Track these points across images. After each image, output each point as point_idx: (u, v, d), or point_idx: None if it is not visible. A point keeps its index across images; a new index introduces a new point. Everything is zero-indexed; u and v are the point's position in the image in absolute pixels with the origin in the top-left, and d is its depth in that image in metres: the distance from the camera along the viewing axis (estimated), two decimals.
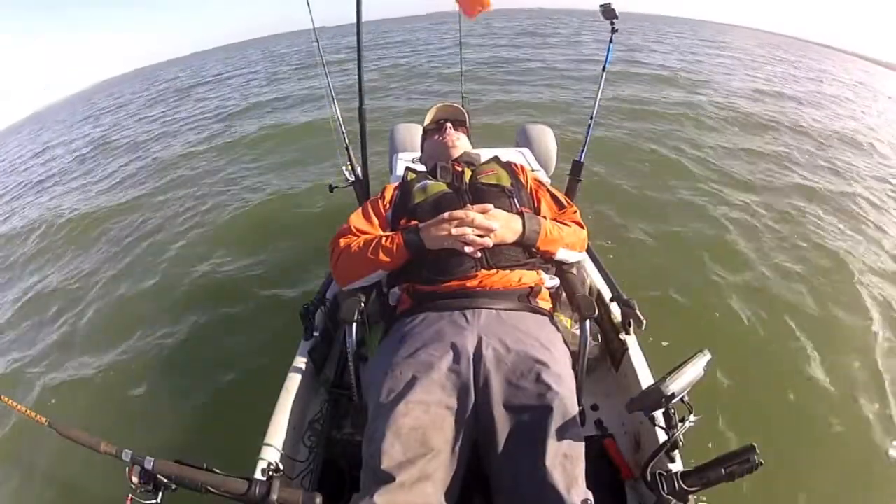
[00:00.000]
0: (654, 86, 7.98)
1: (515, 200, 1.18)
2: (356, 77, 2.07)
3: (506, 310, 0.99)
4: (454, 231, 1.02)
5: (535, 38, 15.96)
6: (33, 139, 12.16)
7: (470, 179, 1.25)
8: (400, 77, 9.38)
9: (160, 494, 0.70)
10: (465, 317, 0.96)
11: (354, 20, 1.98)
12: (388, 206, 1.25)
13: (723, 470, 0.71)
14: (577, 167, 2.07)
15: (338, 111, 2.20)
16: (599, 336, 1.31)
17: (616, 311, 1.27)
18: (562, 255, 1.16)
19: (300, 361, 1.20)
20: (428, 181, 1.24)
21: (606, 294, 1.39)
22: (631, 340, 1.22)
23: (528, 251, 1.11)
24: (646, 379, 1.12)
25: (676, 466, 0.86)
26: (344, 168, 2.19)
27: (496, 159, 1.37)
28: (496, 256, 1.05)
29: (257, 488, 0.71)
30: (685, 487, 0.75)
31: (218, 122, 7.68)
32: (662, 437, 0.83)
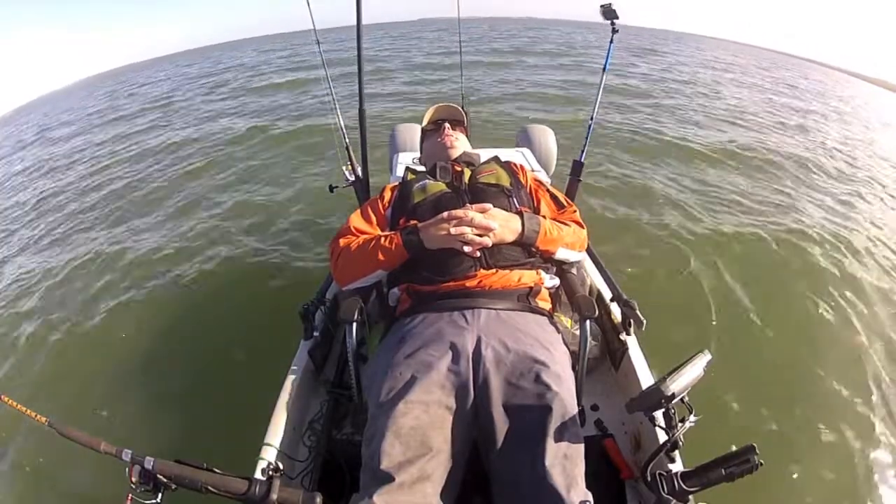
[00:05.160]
0: None
1: (514, 200, 1.18)
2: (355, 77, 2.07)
3: (505, 310, 0.98)
4: (453, 230, 1.01)
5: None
6: None
7: (469, 179, 1.25)
8: None
9: (160, 494, 0.70)
10: (464, 317, 0.95)
11: (355, 23, 1.98)
12: (387, 206, 1.25)
13: (723, 470, 0.71)
14: (577, 167, 2.06)
15: (338, 111, 2.20)
16: (599, 336, 1.31)
17: (616, 311, 1.27)
18: (561, 254, 1.16)
19: (300, 361, 1.20)
20: (427, 181, 1.24)
21: (606, 294, 1.39)
22: (631, 340, 1.22)
23: (527, 251, 1.11)
24: (646, 379, 1.12)
25: (676, 466, 0.86)
26: (344, 168, 2.19)
27: (496, 159, 1.37)
28: (495, 256, 1.05)
29: (257, 488, 0.71)
30: (685, 488, 0.74)
31: (211, 123, 7.65)
32: (662, 437, 0.83)
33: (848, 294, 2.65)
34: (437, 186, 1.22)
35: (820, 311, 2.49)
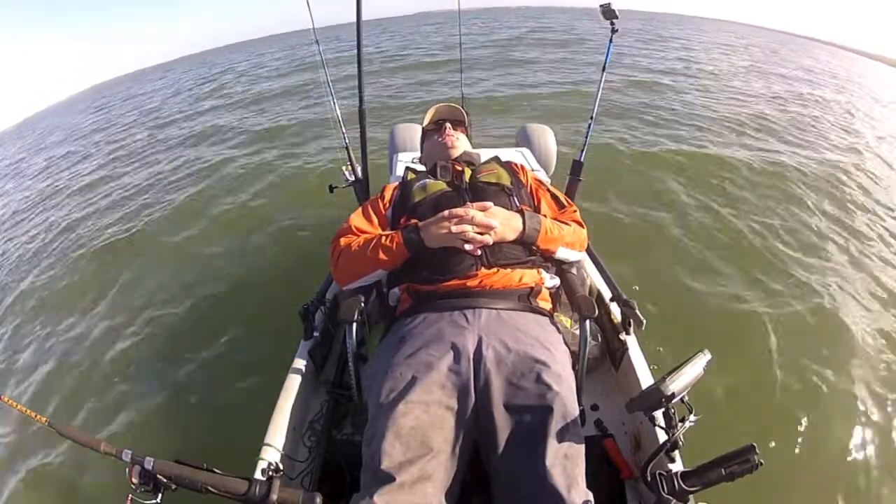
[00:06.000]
0: None
1: (515, 199, 1.18)
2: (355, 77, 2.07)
3: (506, 310, 0.98)
4: (454, 229, 1.01)
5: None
6: None
7: (470, 178, 1.25)
8: None
9: (160, 494, 0.70)
10: (465, 317, 0.95)
11: (355, 20, 1.98)
12: (387, 205, 1.25)
13: (723, 470, 0.71)
14: (577, 167, 2.06)
15: (338, 111, 2.20)
16: (599, 336, 1.31)
17: (616, 311, 1.27)
18: (562, 253, 1.16)
19: (300, 361, 1.20)
20: (427, 180, 1.24)
21: (606, 294, 1.39)
22: (631, 340, 1.22)
23: (528, 249, 1.11)
24: (646, 379, 1.12)
25: (676, 466, 0.86)
26: (344, 168, 2.19)
27: (496, 159, 1.37)
28: (496, 254, 1.05)
29: (257, 488, 0.71)
30: (685, 487, 0.74)
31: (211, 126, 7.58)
32: (662, 437, 0.83)
33: (862, 300, 2.64)
34: (438, 185, 1.22)
35: (833, 305, 2.48)
